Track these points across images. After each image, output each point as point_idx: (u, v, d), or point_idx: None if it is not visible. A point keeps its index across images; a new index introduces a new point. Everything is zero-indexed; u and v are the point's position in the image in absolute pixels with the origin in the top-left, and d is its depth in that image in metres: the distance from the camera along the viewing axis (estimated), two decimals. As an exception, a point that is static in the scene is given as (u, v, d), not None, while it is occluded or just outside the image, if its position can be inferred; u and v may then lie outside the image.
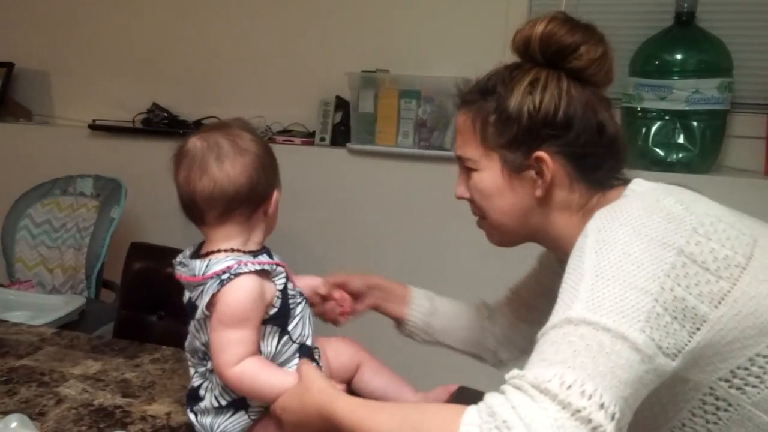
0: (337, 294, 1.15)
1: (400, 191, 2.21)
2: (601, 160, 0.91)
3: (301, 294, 1.02)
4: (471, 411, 0.67)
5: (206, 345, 0.96)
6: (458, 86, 1.00)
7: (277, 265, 0.97)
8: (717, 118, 1.91)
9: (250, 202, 0.96)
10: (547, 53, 0.92)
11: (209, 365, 0.97)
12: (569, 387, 0.64)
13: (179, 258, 1.00)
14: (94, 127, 2.52)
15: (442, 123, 2.13)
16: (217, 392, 0.97)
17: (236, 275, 0.91)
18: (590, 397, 0.63)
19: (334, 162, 2.23)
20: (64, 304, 1.92)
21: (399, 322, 1.22)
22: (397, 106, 2.15)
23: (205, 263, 0.94)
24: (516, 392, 0.66)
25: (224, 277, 0.91)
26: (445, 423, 0.68)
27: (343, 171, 2.23)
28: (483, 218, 0.98)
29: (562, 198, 0.92)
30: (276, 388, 0.93)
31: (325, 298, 1.14)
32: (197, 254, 0.98)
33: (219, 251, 0.95)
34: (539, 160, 0.90)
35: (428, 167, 2.16)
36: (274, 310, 0.96)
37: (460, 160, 0.98)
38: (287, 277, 0.98)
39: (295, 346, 0.99)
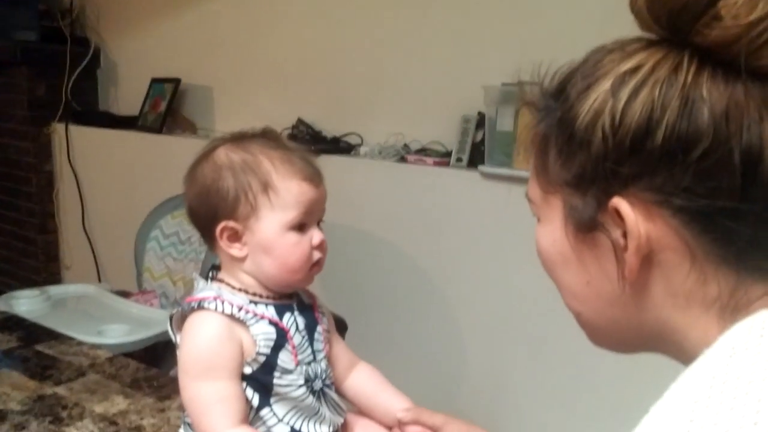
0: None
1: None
2: (759, 224, 0.46)
3: (308, 380, 0.79)
4: None
5: None
6: (524, 81, 0.61)
7: (276, 325, 0.77)
8: None
9: (198, 227, 0.83)
10: (661, 18, 0.49)
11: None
12: None
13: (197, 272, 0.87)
14: (237, 141, 2.53)
15: (593, 145, 1.77)
16: None
17: (200, 308, 0.76)
18: None
19: (463, 186, 1.96)
20: (166, 320, 1.87)
21: None
22: (540, 124, 1.83)
23: (202, 285, 0.82)
24: None
25: (193, 304, 0.77)
26: None
27: (473, 197, 1.95)
28: None
29: (679, 287, 0.49)
30: None
31: None
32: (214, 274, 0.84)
33: (221, 280, 0.82)
34: (617, 214, 0.49)
35: (574, 197, 1.80)
36: (250, 370, 0.76)
37: None
38: (280, 346, 0.77)
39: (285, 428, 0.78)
